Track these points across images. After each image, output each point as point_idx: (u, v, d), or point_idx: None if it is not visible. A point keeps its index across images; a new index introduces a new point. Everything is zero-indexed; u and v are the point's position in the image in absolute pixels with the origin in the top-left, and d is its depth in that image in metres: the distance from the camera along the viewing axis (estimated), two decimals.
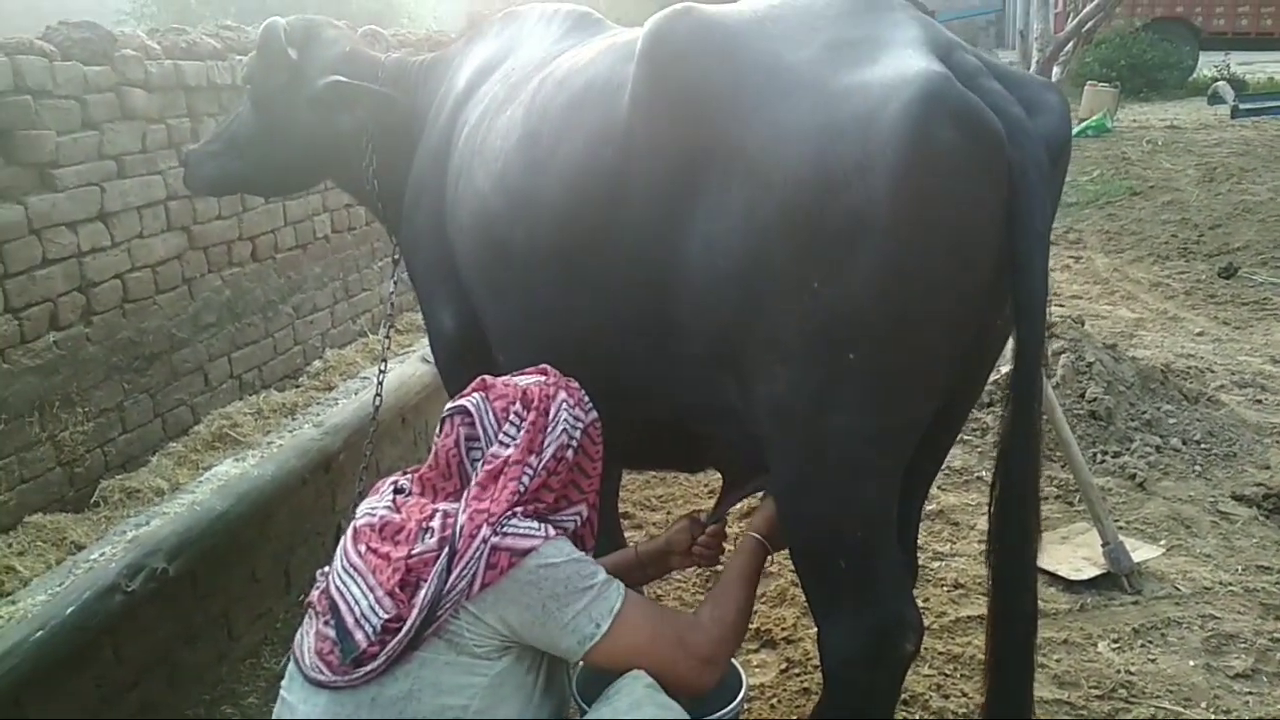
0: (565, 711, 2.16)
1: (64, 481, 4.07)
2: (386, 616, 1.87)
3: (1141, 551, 3.61)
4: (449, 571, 1.87)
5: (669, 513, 4.13)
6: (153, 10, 13.65)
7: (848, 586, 2.08)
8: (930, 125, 1.73)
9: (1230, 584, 3.48)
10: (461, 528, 1.91)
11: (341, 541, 2.07)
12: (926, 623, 2.71)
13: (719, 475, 2.64)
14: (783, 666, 3.12)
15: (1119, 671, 3.06)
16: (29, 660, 2.42)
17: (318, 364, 5.72)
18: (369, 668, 1.86)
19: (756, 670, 3.12)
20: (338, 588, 1.97)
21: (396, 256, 3.22)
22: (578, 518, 2.10)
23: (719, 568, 3.21)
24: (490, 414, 2.08)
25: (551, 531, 1.96)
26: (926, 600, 3.40)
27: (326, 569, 2.07)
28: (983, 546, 3.65)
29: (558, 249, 2.26)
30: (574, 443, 2.09)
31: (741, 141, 1.89)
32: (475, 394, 2.12)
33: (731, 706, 2.44)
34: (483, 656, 1.91)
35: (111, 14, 12.10)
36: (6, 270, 3.77)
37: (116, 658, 2.74)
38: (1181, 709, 2.90)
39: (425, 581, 1.87)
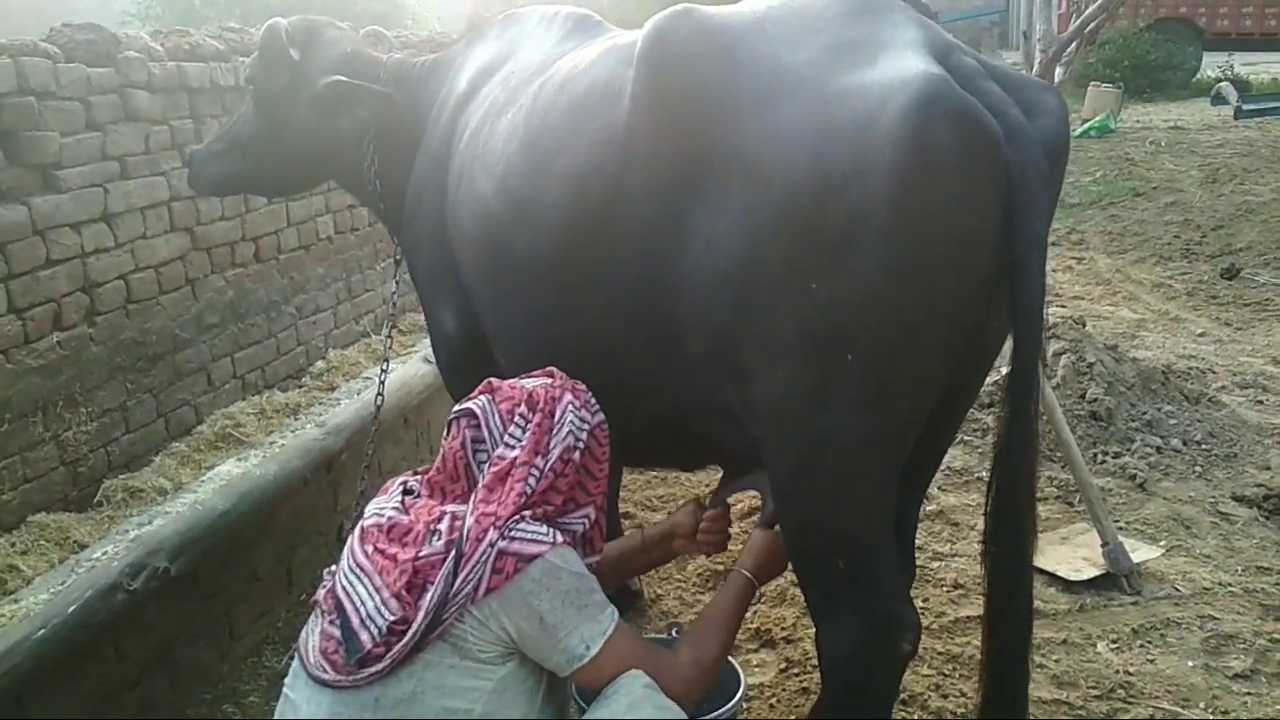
0: (567, 713, 2.17)
1: (67, 481, 4.09)
2: (393, 618, 1.88)
3: (1141, 552, 3.61)
4: (455, 575, 1.88)
5: (669, 513, 4.13)
6: (156, 12, 13.66)
7: (846, 586, 2.09)
8: (928, 127, 1.74)
9: (1230, 585, 3.48)
10: (469, 531, 1.92)
11: (348, 541, 2.08)
12: (925, 623, 2.73)
13: (719, 472, 2.65)
14: (782, 666, 3.13)
15: (1118, 672, 3.06)
16: (31, 658, 2.43)
17: (320, 364, 5.74)
18: (374, 669, 1.87)
19: (756, 670, 3.13)
20: (344, 587, 1.98)
21: (398, 257, 3.23)
22: (586, 520, 2.11)
23: (722, 566, 3.25)
24: (496, 416, 2.09)
25: (559, 537, 1.97)
26: (925, 600, 3.40)
27: (333, 568, 2.08)
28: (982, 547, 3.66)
29: (558, 251, 2.27)
30: (580, 444, 2.09)
31: (740, 143, 1.90)
32: (481, 396, 2.13)
33: (730, 706, 2.45)
34: (487, 661, 1.92)
35: (115, 15, 12.13)
36: (10, 271, 3.79)
37: (118, 656, 2.75)
38: (1180, 709, 2.90)
39: (432, 584, 1.88)
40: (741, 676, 2.56)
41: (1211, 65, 17.31)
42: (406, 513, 2.04)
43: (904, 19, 1.97)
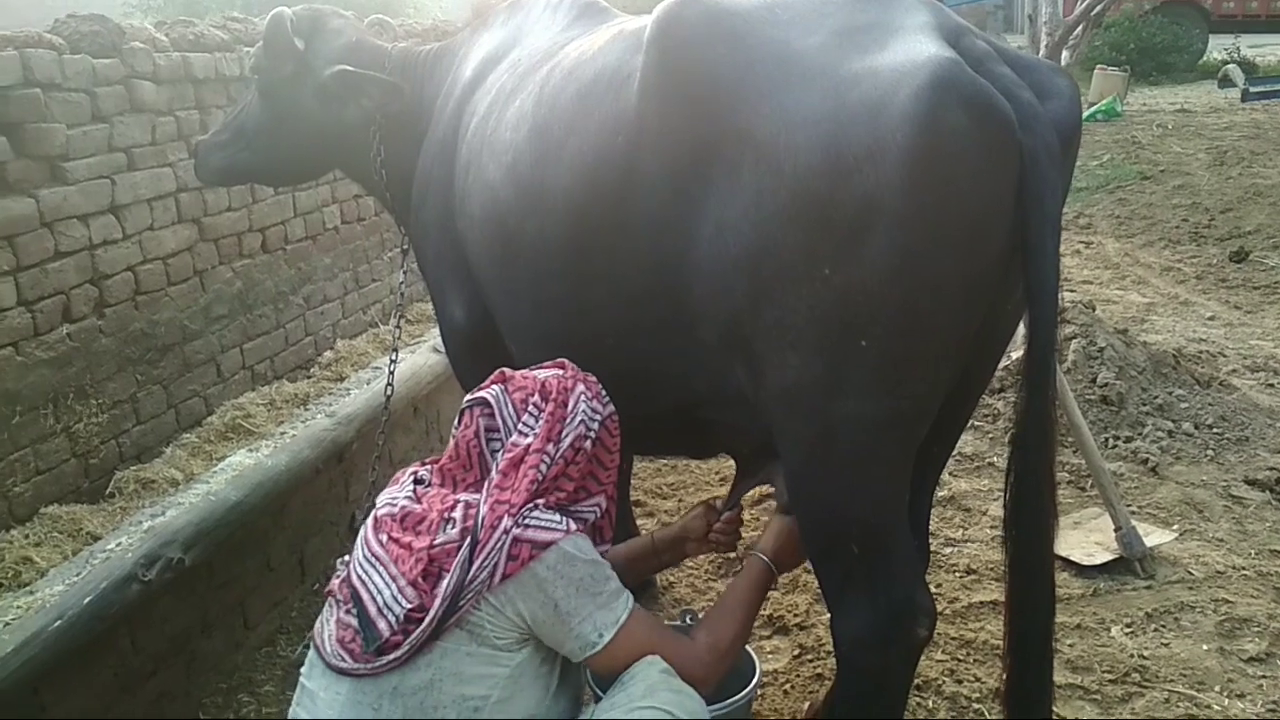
0: (582, 699, 2.18)
1: (79, 473, 4.10)
2: (410, 606, 1.88)
3: (1154, 536, 3.61)
4: (471, 562, 1.88)
5: (680, 500, 4.14)
6: (159, 3, 13.67)
7: (860, 571, 2.09)
8: (941, 110, 1.72)
9: (1243, 568, 3.48)
10: (483, 518, 1.93)
11: (361, 531, 2.08)
12: (939, 608, 2.72)
13: (730, 462, 2.64)
14: (795, 652, 3.13)
15: (1132, 656, 3.06)
16: (48, 649, 2.43)
17: (329, 354, 5.76)
18: (392, 656, 1.88)
19: (769, 656, 3.13)
20: (359, 577, 1.98)
21: (406, 247, 3.23)
22: (597, 509, 2.12)
23: (733, 554, 3.25)
24: (509, 405, 2.09)
25: (572, 525, 1.97)
26: (939, 586, 3.40)
27: (346, 558, 2.08)
28: (994, 532, 3.66)
29: (568, 239, 2.27)
30: (592, 434, 2.10)
31: (751, 128, 1.89)
32: (494, 386, 2.14)
33: (745, 692, 2.45)
34: (503, 648, 1.93)
35: (118, 7, 12.12)
36: (19, 263, 3.80)
37: (134, 647, 2.76)
38: (1195, 693, 2.90)
39: (447, 572, 1.89)
40: (757, 663, 2.56)
41: (1218, 48, 17.22)
42: (419, 502, 2.05)
43: (914, 2, 1.96)
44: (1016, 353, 3.60)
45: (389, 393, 3.37)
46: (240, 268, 5.08)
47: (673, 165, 2.02)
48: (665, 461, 4.40)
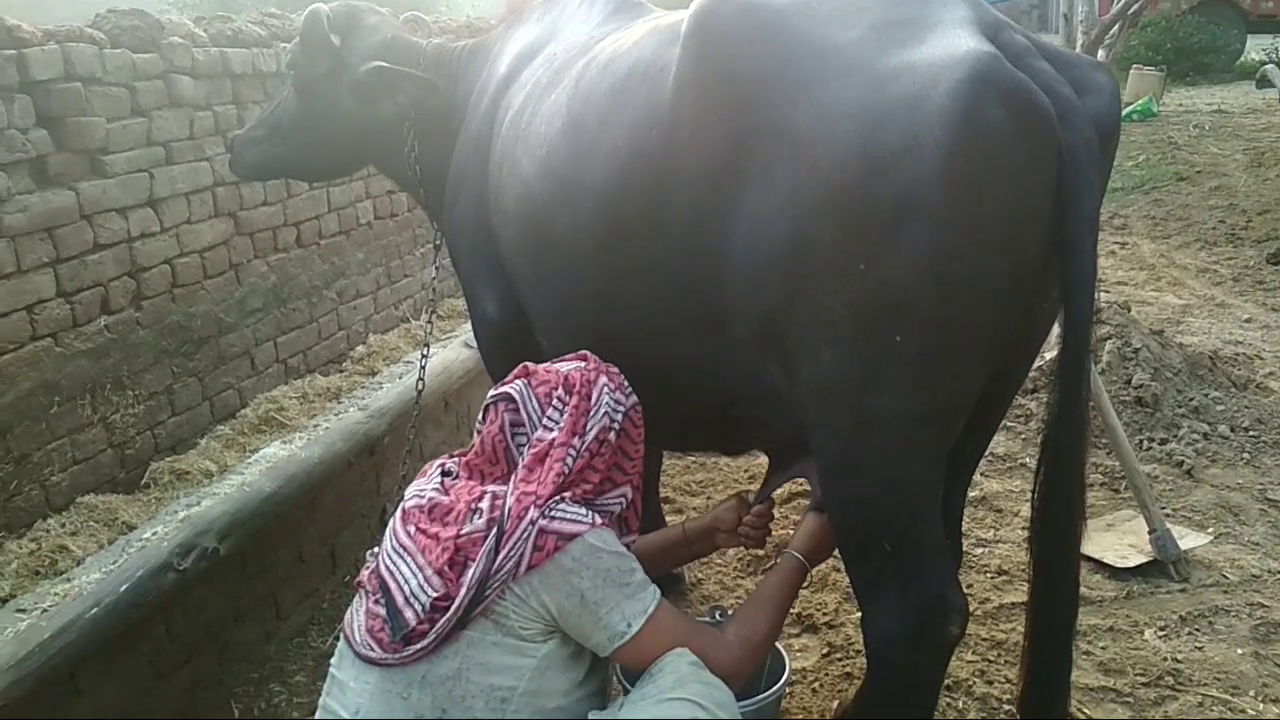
0: (609, 690, 2.18)
1: (115, 463, 4.15)
2: (435, 595, 1.90)
3: (1189, 539, 3.57)
4: (497, 551, 1.90)
5: (709, 497, 4.13)
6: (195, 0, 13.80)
7: (892, 569, 2.08)
8: (979, 106, 1.71)
9: (1278, 572, 3.43)
10: (509, 509, 1.94)
11: (390, 522, 2.10)
12: (970, 609, 2.70)
13: (760, 460, 2.64)
14: (824, 651, 3.12)
15: (1166, 659, 3.03)
16: (85, 636, 2.47)
17: (361, 349, 5.79)
18: (419, 645, 1.89)
19: (798, 654, 3.12)
20: (387, 567, 2.00)
21: (438, 242, 3.25)
22: (623, 500, 2.14)
23: (761, 552, 3.24)
24: (534, 400, 2.11)
25: (598, 519, 1.98)
26: (970, 586, 3.38)
27: (376, 549, 2.10)
28: (1026, 533, 3.62)
29: (602, 234, 2.27)
30: (616, 425, 2.11)
31: (788, 123, 1.88)
32: (518, 381, 2.15)
33: (774, 690, 2.45)
34: (529, 639, 1.94)
35: (154, 2, 12.23)
36: (59, 255, 3.85)
37: (169, 635, 2.79)
38: (1229, 697, 2.86)
39: (473, 561, 1.90)
40: (786, 660, 2.56)
41: (1256, 48, 16.98)
42: (446, 493, 2.06)
43: None
44: (1051, 353, 3.57)
45: (420, 387, 3.39)
46: (275, 262, 5.12)
47: (707, 160, 2.02)
48: (694, 458, 4.40)
